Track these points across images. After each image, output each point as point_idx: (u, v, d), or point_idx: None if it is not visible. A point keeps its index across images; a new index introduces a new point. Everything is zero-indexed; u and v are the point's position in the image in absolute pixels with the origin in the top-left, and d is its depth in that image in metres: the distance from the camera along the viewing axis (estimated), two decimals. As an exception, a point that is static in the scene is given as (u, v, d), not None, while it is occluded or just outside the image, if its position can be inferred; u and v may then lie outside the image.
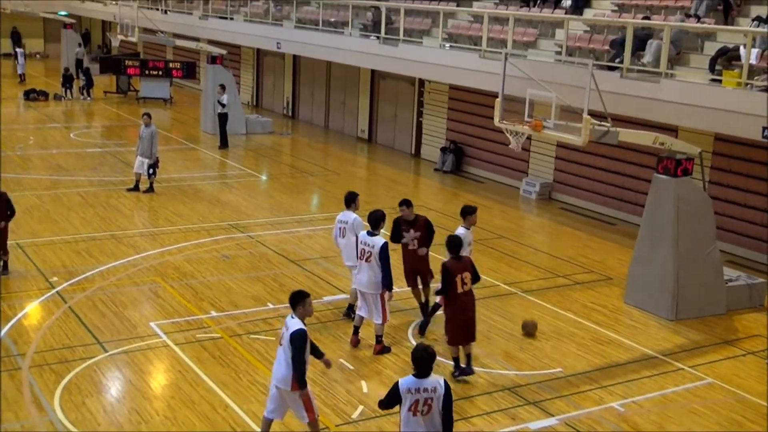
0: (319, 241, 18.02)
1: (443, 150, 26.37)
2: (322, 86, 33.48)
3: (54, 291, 14.52)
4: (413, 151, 28.47)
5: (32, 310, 13.71)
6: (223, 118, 27.83)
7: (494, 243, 18.54)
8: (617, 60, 17.77)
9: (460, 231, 12.62)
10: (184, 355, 12.25)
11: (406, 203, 13.45)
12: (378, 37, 25.72)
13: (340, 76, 32.00)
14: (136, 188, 21.40)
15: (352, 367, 12.11)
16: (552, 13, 22.04)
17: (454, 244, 11.57)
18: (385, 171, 26.16)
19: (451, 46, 23.54)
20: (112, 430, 10.16)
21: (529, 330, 13.51)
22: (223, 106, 27.70)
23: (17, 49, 46.02)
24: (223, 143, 27.99)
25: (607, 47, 19.01)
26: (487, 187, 24.22)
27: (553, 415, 10.97)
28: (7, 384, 11.14)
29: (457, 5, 25.83)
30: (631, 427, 10.79)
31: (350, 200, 13.39)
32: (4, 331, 12.81)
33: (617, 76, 17.26)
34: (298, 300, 9.23)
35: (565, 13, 21.41)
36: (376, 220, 12.39)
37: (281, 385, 9.24)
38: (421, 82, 27.57)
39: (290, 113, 35.70)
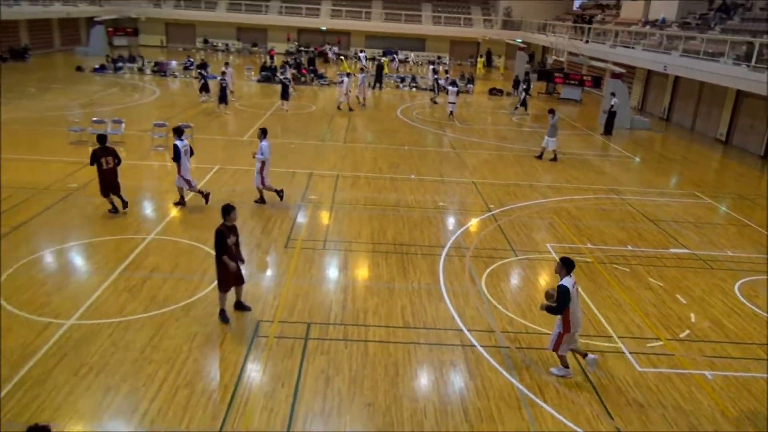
0: (672, 210, 16.33)
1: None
2: (693, 99, 29.72)
3: (490, 213, 15.10)
4: (763, 153, 24.19)
5: (475, 223, 14.42)
6: (611, 115, 26.44)
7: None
8: None
9: None
10: (565, 268, 12.05)
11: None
12: (748, 66, 22.02)
13: (708, 92, 28.10)
14: (546, 157, 21.17)
15: (684, 302, 10.95)
16: None
17: None
18: (731, 166, 22.65)
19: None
20: (513, 307, 10.43)
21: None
22: (612, 106, 26.58)
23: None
24: (606, 131, 26.51)
25: None
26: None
27: None
28: (457, 265, 11.97)
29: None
30: None
31: None
32: (457, 233, 13.73)
33: None
34: None
35: None
36: None
37: None
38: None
39: (665, 117, 32.36)
